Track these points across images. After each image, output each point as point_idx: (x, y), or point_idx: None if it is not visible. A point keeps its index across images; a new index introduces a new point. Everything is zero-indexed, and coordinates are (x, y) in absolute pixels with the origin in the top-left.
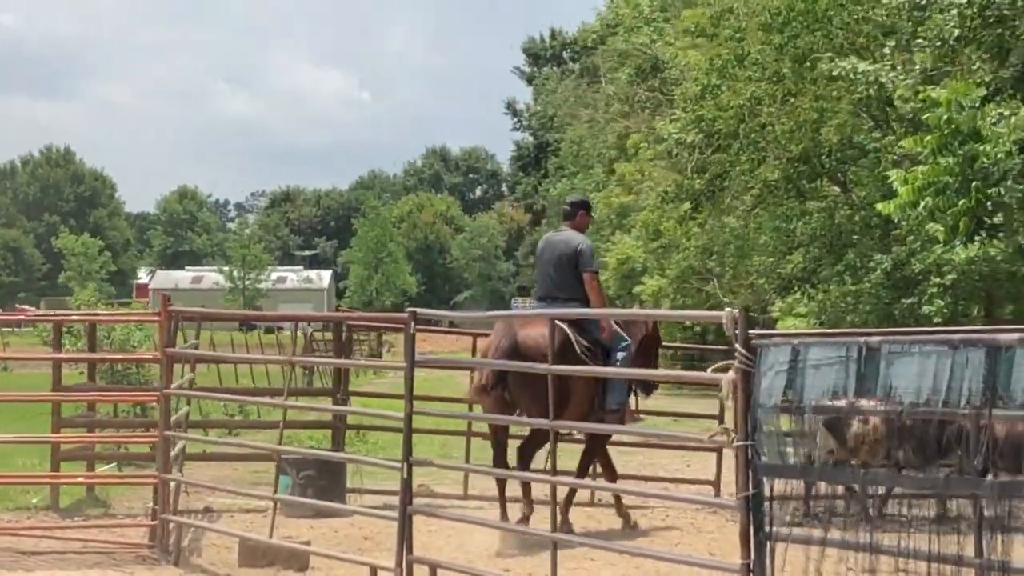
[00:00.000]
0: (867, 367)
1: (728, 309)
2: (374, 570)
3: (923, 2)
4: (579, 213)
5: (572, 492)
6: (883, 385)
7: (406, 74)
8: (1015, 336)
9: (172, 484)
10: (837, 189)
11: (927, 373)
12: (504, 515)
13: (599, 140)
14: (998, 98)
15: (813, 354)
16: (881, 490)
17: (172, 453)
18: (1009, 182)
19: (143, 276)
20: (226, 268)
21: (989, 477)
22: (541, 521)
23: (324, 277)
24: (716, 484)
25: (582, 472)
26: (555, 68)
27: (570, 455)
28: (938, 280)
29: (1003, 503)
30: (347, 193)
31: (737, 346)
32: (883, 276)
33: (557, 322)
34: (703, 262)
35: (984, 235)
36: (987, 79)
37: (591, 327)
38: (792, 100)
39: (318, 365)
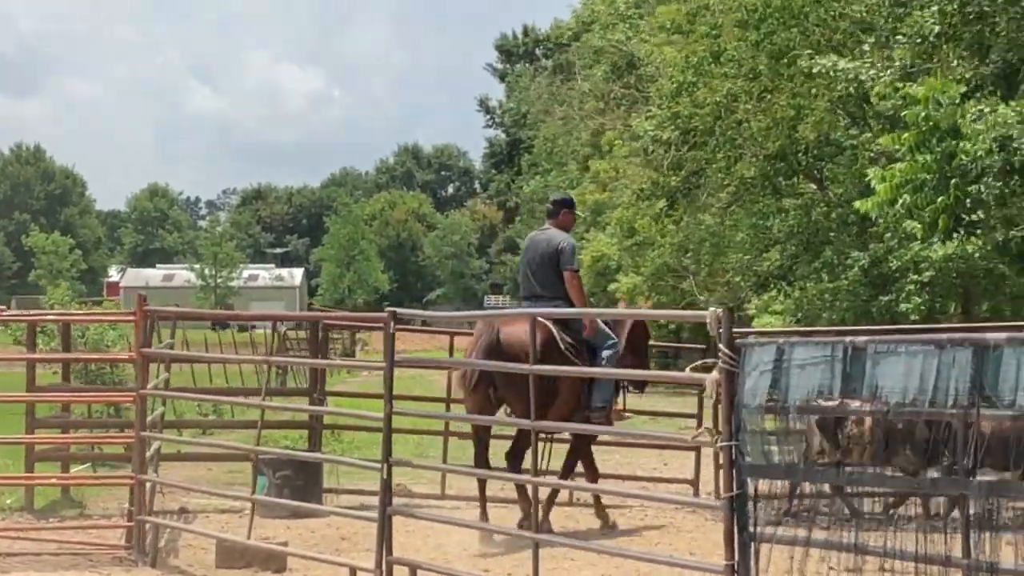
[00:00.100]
0: (853, 367)
1: (712, 309)
2: (353, 571)
3: None
4: (562, 211)
5: (554, 492)
6: (869, 385)
7: (378, 71)
8: (1002, 335)
9: (148, 485)
10: (813, 186)
11: (913, 373)
12: (484, 515)
13: (573, 137)
14: (978, 95)
15: (798, 354)
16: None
17: (148, 454)
18: (989, 179)
19: (114, 274)
20: (197, 266)
21: (977, 477)
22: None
23: (296, 275)
24: (695, 483)
25: (567, 472)
26: (528, 65)
27: (561, 454)
28: (915, 277)
29: (991, 503)
30: (319, 190)
31: (721, 346)
32: (860, 273)
33: (542, 320)
34: (678, 259)
35: (962, 232)
36: (967, 76)
37: (576, 325)
38: (769, 97)
39: (292, 365)
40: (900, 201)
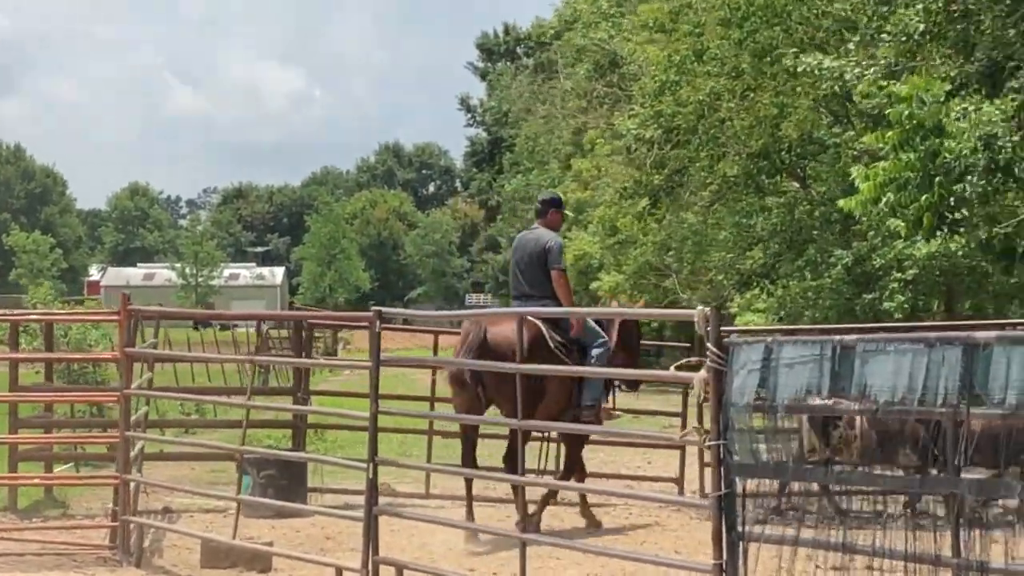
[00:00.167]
0: (841, 365)
1: (700, 307)
2: (339, 571)
3: None
4: (550, 211)
5: (551, 492)
6: (858, 384)
7: (358, 70)
8: (992, 334)
9: (132, 485)
10: (796, 185)
11: (903, 371)
12: (470, 514)
13: (555, 136)
14: (963, 92)
15: (786, 352)
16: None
17: (132, 453)
18: (973, 178)
19: (94, 273)
20: (178, 265)
21: (967, 475)
22: (507, 520)
23: (277, 274)
24: (679, 482)
25: (568, 473)
26: (509, 64)
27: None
28: (899, 275)
29: (981, 501)
30: (300, 189)
31: (709, 344)
32: (843, 272)
33: (532, 318)
34: (660, 258)
35: (946, 230)
36: (952, 74)
37: (566, 324)
38: (752, 95)
39: (274, 364)
40: (884, 199)
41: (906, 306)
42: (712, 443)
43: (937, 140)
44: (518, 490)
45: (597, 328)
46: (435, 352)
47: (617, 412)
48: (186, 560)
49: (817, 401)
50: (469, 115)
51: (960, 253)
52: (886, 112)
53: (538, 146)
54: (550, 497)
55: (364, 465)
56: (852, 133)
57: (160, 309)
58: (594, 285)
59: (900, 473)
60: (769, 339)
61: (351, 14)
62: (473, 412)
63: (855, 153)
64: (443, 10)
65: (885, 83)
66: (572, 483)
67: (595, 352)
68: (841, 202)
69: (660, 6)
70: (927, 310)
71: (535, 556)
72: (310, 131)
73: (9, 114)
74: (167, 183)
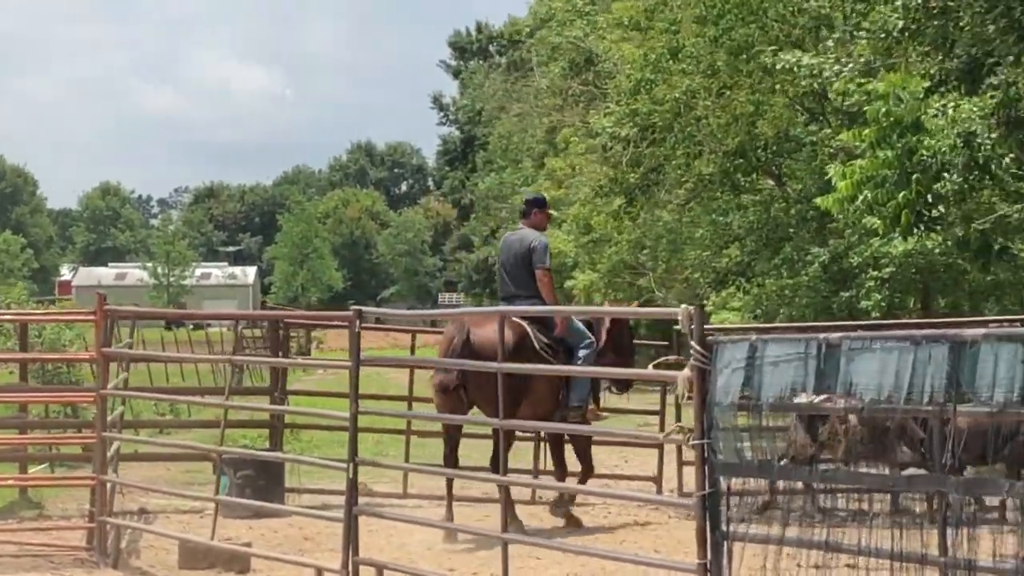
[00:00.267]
0: (827, 364)
1: (684, 306)
2: (319, 572)
3: None
4: (533, 211)
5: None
6: (843, 382)
7: (329, 69)
8: (979, 331)
9: (109, 485)
10: (772, 183)
11: (888, 370)
12: (450, 512)
13: (528, 134)
14: (942, 89)
15: (771, 351)
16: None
17: (108, 454)
18: (953, 175)
19: (66, 273)
20: (150, 265)
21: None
22: (484, 519)
23: (249, 273)
24: (658, 481)
25: (586, 474)
26: (482, 62)
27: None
28: (875, 274)
29: (969, 499)
30: (271, 189)
31: (693, 343)
32: (820, 270)
33: (517, 319)
34: (635, 256)
35: (923, 228)
36: (932, 71)
37: (552, 324)
38: (728, 93)
39: (249, 363)
40: (861, 197)
41: (883, 304)
42: (696, 442)
43: (914, 137)
44: (502, 490)
45: (583, 328)
46: (412, 351)
47: (604, 414)
48: (164, 561)
49: (809, 398)
50: (442, 114)
51: (937, 251)
52: (864, 109)
53: (511, 144)
54: (571, 500)
55: (344, 465)
56: (828, 131)
57: (136, 309)
58: (568, 283)
59: (886, 471)
60: (753, 337)
61: (323, 13)
62: (456, 414)
63: (831, 151)
64: (415, 8)
65: (863, 81)
66: (552, 482)
67: (582, 353)
68: (818, 200)
69: (634, 4)
70: (903, 308)
71: (516, 555)
72: (282, 130)
73: None
74: (138, 182)
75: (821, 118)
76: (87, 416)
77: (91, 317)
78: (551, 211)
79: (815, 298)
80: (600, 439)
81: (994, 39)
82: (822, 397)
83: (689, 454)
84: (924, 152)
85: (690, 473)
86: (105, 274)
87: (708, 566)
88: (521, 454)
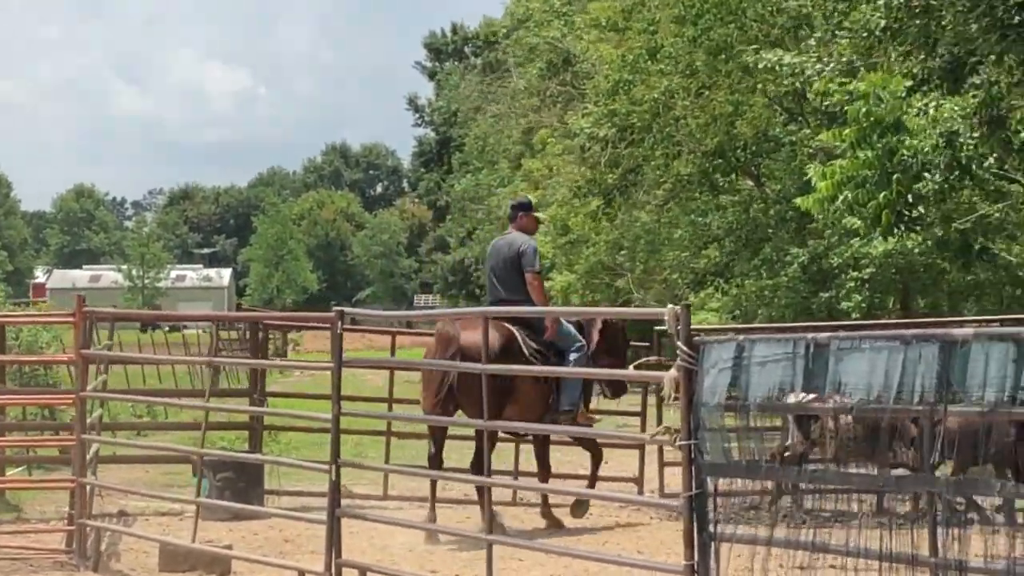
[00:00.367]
0: (815, 363)
1: (671, 306)
2: (302, 574)
3: None
4: (519, 215)
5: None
6: (832, 382)
7: (304, 70)
8: (970, 331)
9: (88, 488)
10: (751, 183)
11: (878, 369)
12: (433, 514)
13: (504, 135)
14: (924, 88)
15: (759, 351)
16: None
17: (87, 456)
18: (935, 175)
19: (40, 275)
20: (124, 267)
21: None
22: (464, 521)
23: (224, 275)
24: (639, 481)
25: (594, 477)
26: (457, 63)
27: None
28: (855, 274)
29: (959, 499)
30: (246, 190)
31: (679, 343)
32: (799, 270)
33: (506, 324)
34: (613, 257)
35: (903, 228)
36: (915, 70)
37: (542, 328)
38: (707, 93)
39: (226, 365)
40: (841, 197)
41: (863, 306)
42: (683, 443)
43: (895, 138)
44: (482, 492)
45: (574, 332)
46: (393, 353)
47: (596, 417)
48: (144, 564)
49: (802, 398)
50: (417, 115)
51: (916, 251)
52: (845, 109)
53: (488, 146)
54: (584, 506)
55: (324, 467)
56: (807, 131)
57: (115, 311)
58: (546, 285)
59: (874, 471)
60: (741, 338)
61: (297, 14)
62: (443, 414)
63: (810, 151)
64: (390, 9)
65: (845, 80)
66: (536, 483)
67: (572, 357)
68: (798, 200)
69: (611, 4)
70: (883, 308)
71: (498, 557)
72: (256, 132)
73: None
74: (112, 184)
75: (800, 118)
76: (64, 418)
77: (70, 319)
78: (537, 214)
79: (794, 299)
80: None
81: (976, 38)
82: (812, 396)
83: (670, 455)
84: (905, 152)
85: (671, 474)
86: (79, 276)
87: (695, 567)
88: (502, 456)
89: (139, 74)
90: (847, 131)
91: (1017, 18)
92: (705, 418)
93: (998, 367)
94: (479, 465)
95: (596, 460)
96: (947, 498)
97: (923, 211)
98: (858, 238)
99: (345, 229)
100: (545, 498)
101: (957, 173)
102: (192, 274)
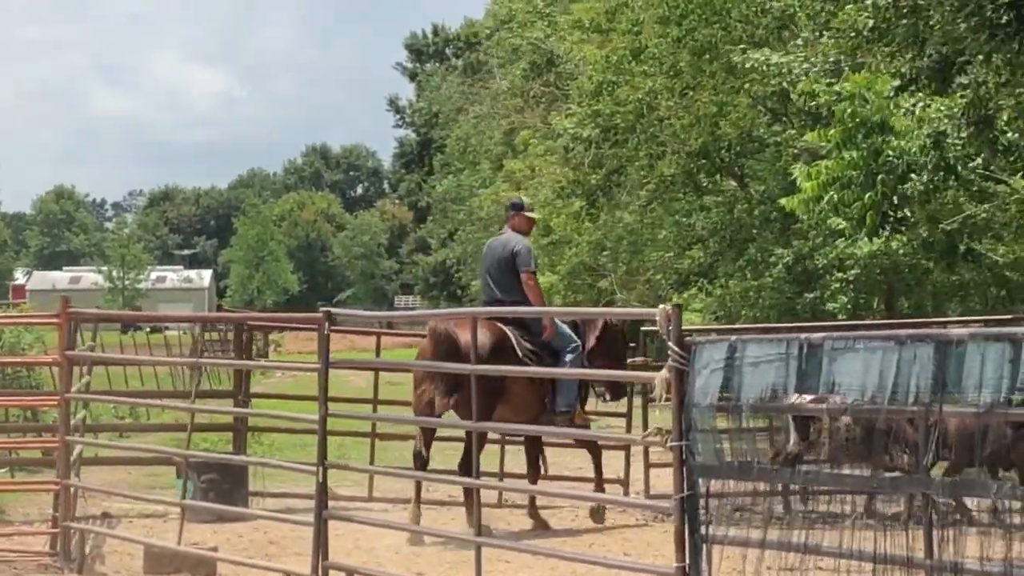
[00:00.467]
0: (808, 364)
1: (662, 307)
2: None
3: None
4: (512, 215)
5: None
6: (826, 382)
7: (285, 71)
8: (965, 331)
9: (73, 490)
10: (735, 184)
11: (872, 370)
12: (417, 516)
13: (486, 136)
14: (912, 88)
15: (751, 351)
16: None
17: (71, 458)
18: (923, 176)
19: (19, 277)
20: (104, 268)
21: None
22: (449, 522)
23: (204, 276)
24: (624, 483)
25: (600, 480)
26: (438, 65)
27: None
28: (840, 275)
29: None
30: (227, 191)
31: (671, 344)
32: (784, 271)
33: (499, 324)
34: (595, 258)
35: (888, 229)
36: (903, 70)
37: (538, 328)
38: (691, 94)
39: (209, 366)
40: (827, 198)
41: (849, 307)
42: (674, 444)
43: (880, 138)
44: (469, 493)
45: (569, 332)
46: (378, 353)
47: (592, 417)
48: (128, 566)
49: (800, 399)
50: (398, 116)
51: (901, 252)
52: (832, 109)
53: (469, 147)
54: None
55: (310, 468)
56: (792, 131)
57: (100, 312)
58: None
59: (868, 473)
60: (733, 338)
61: (277, 15)
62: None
63: (795, 151)
64: (371, 10)
65: (832, 80)
66: (524, 484)
67: (567, 357)
68: (783, 201)
69: (593, 5)
70: (867, 308)
71: (484, 559)
72: (237, 133)
73: None
74: (93, 186)
75: (784, 119)
76: (47, 420)
77: (54, 320)
78: (531, 214)
79: (779, 300)
80: (564, 441)
81: (965, 37)
82: (812, 397)
83: (656, 456)
84: (890, 153)
85: (657, 475)
86: (59, 278)
87: (687, 569)
88: (487, 457)
89: (119, 75)
90: (832, 131)
91: (1005, 17)
92: (697, 419)
93: (994, 368)
94: (467, 466)
95: (597, 461)
96: (936, 500)
97: (908, 212)
98: (843, 239)
99: (326, 230)
100: (532, 499)
101: (942, 174)
102: (172, 275)
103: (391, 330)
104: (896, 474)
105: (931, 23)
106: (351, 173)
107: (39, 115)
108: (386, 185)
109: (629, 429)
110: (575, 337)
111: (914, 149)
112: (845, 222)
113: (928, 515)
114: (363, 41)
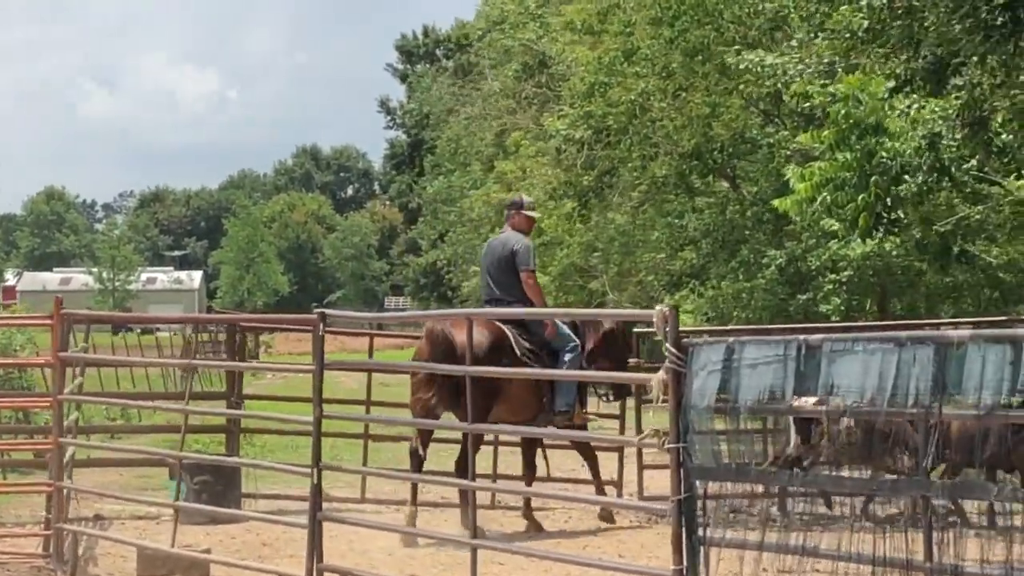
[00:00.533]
0: (807, 365)
1: (659, 307)
2: None
3: None
4: (513, 214)
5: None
6: (824, 384)
7: (275, 72)
8: (966, 332)
9: (65, 491)
10: (727, 185)
11: (871, 371)
12: (413, 517)
13: (477, 137)
14: (906, 89)
15: (749, 353)
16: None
17: (64, 460)
18: (918, 177)
19: (10, 278)
20: (95, 269)
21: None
22: (442, 524)
23: (195, 278)
24: (618, 485)
25: (598, 482)
26: (429, 66)
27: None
28: (834, 277)
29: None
30: (217, 193)
31: (668, 345)
32: (777, 272)
33: (497, 323)
34: (586, 259)
35: (882, 231)
36: (898, 71)
37: (536, 328)
38: (683, 95)
39: (201, 367)
40: (820, 199)
41: (842, 308)
42: (671, 446)
43: (874, 140)
44: (470, 495)
45: (568, 332)
46: (371, 355)
47: (591, 417)
48: (121, 568)
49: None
50: (389, 117)
51: (894, 253)
52: (827, 111)
53: (460, 148)
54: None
55: (304, 470)
56: (785, 133)
57: (92, 313)
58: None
59: (866, 475)
60: (731, 339)
61: (267, 16)
62: (429, 417)
63: (787, 153)
64: (361, 12)
65: (826, 82)
66: (518, 486)
67: (567, 358)
68: (776, 202)
69: (585, 6)
70: (860, 310)
71: (478, 561)
72: (227, 134)
73: None
74: (83, 187)
75: (777, 120)
76: (39, 422)
77: (47, 321)
78: (530, 212)
79: (772, 301)
80: (558, 443)
81: (959, 39)
82: (815, 399)
83: (650, 457)
84: (884, 154)
85: (650, 477)
86: (50, 279)
87: (684, 572)
88: (480, 458)
89: (110, 76)
90: (826, 133)
91: (1000, 19)
92: (694, 421)
93: (995, 369)
94: (463, 467)
95: (593, 462)
96: (934, 502)
97: (902, 214)
98: (836, 240)
99: (316, 231)
100: (527, 500)
101: (936, 176)
102: (163, 277)
103: (382, 331)
104: (895, 476)
105: (926, 24)
106: (341, 174)
107: (30, 116)
108: (377, 186)
109: (623, 431)
110: (574, 337)
111: (908, 151)
112: (838, 223)
113: (927, 517)
114: (354, 42)
